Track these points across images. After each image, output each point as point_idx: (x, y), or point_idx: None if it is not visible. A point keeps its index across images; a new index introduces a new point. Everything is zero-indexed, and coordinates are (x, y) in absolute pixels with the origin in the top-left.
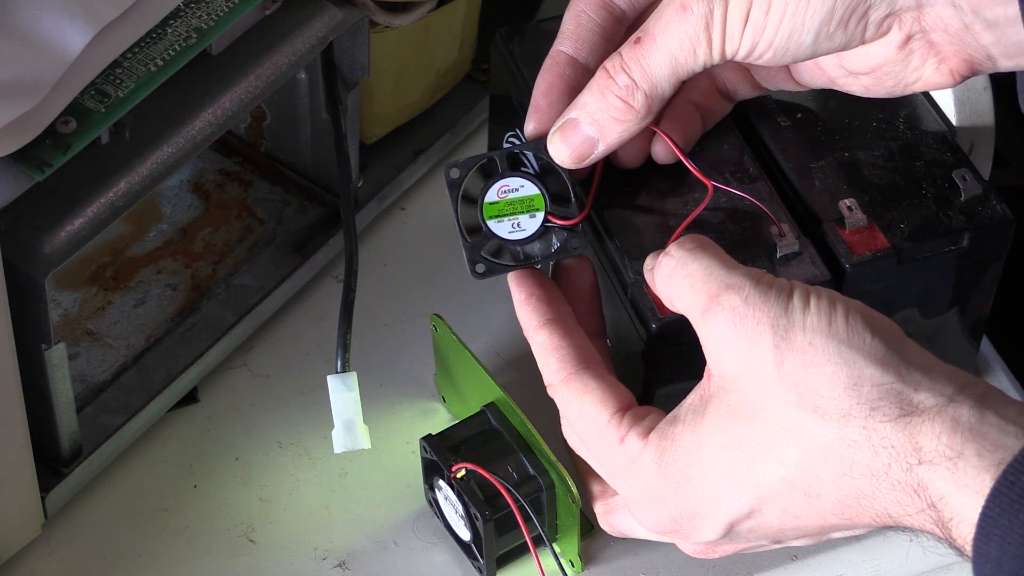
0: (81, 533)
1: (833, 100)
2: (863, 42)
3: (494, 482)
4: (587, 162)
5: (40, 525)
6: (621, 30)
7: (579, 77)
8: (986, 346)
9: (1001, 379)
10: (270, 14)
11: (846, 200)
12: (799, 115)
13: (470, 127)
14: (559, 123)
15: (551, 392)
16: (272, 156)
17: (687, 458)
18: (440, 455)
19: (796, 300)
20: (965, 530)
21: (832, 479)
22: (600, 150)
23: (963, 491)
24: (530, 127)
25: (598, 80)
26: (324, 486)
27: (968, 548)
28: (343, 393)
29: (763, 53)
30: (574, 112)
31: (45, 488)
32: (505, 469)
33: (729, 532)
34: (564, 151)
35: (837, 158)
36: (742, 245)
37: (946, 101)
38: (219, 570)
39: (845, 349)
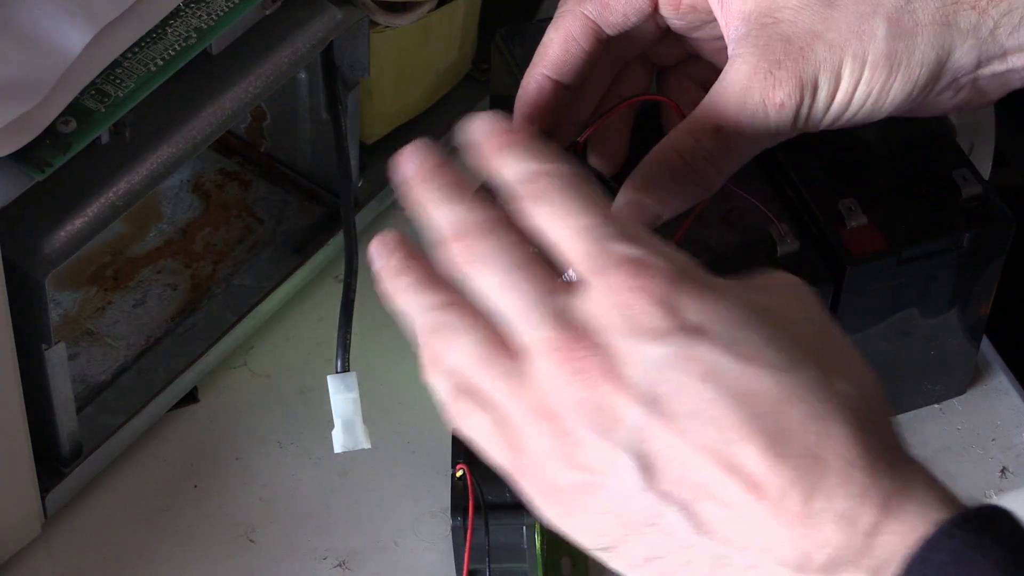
0: (81, 533)
1: None
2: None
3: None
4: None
5: (40, 525)
6: (605, 52)
7: (563, 101)
8: (986, 346)
9: (1001, 379)
10: (270, 14)
11: (846, 200)
12: None
13: None
14: (622, 202)
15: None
16: (272, 156)
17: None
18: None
19: None
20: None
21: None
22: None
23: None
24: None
25: (671, 165)
26: (324, 486)
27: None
28: (343, 393)
29: (831, 126)
30: (640, 194)
31: (45, 488)
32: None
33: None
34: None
35: (837, 158)
36: (742, 245)
37: None
38: (219, 570)
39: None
